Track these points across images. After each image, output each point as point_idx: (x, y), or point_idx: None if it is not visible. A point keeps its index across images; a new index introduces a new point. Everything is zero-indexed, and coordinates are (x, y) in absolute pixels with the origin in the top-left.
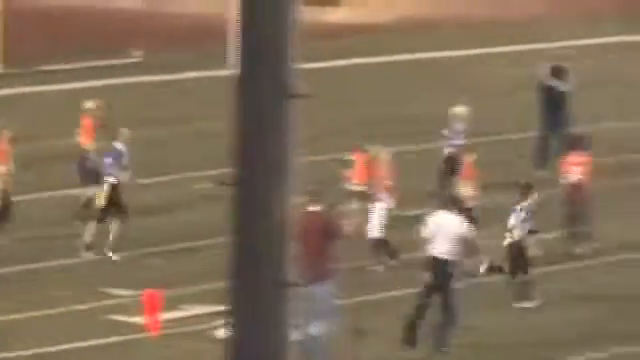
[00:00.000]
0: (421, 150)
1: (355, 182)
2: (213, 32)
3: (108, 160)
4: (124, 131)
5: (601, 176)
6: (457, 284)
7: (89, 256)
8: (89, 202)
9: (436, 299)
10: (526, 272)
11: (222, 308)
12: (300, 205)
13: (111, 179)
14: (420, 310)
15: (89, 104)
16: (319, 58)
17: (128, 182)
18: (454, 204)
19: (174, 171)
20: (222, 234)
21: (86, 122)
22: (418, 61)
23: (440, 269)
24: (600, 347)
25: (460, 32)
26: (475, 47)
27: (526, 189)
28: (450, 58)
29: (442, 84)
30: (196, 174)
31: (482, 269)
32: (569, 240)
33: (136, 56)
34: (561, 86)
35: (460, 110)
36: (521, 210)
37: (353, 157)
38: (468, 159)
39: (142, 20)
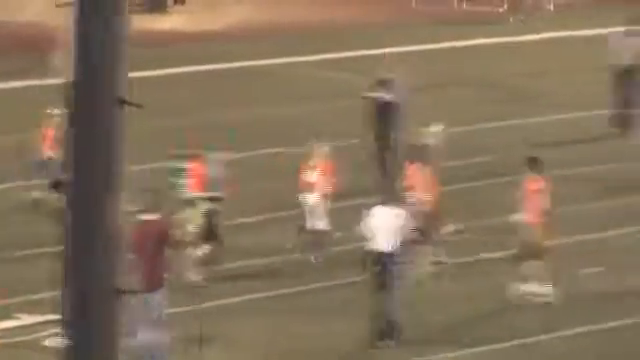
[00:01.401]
0: (257, 155)
1: (190, 189)
2: (44, 40)
3: None
4: None
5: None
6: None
7: None
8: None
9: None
10: None
11: (55, 317)
12: (134, 213)
13: None
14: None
15: (55, 111)
16: (149, 66)
17: None
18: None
19: (9, 180)
20: (56, 243)
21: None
22: (247, 68)
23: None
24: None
25: (292, 39)
26: (307, 54)
27: None
28: (281, 65)
29: (270, 91)
30: (30, 182)
31: None
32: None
33: None
34: (386, 96)
35: (436, 129)
36: None
37: (188, 164)
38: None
39: None
